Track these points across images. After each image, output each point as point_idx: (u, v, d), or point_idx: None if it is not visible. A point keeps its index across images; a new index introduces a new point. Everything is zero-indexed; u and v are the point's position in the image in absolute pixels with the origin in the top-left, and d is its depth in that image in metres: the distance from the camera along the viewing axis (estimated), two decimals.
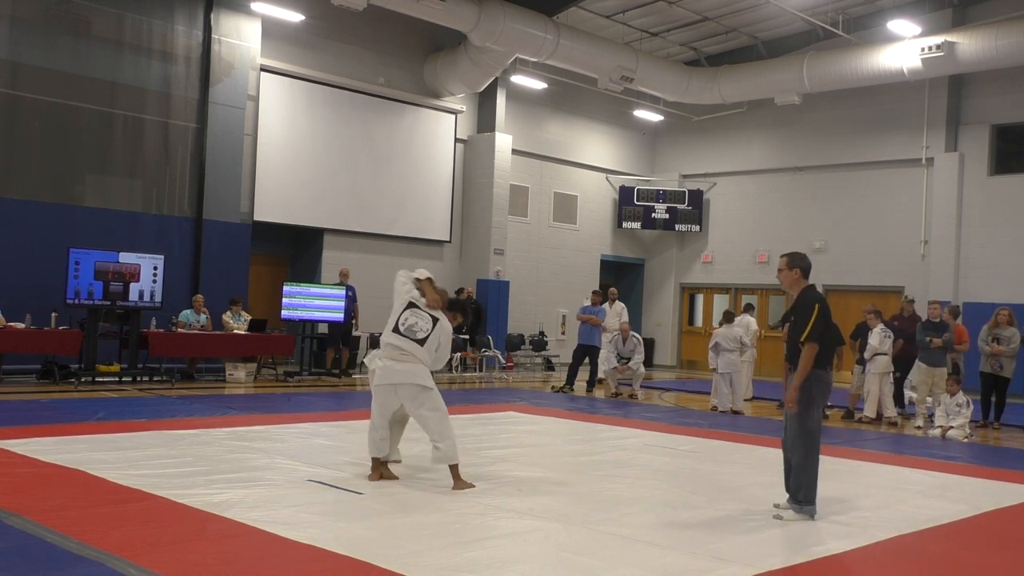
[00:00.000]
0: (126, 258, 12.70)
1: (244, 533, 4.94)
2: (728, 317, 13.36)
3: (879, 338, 11.97)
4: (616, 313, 15.35)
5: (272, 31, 15.58)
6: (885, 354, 12.00)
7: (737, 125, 21.16)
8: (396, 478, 6.55)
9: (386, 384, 6.48)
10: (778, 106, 19.25)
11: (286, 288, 14.67)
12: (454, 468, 6.38)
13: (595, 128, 21.54)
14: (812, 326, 5.91)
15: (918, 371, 12.08)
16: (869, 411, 12.10)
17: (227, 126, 14.91)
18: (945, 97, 18.32)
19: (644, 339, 21.20)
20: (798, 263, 6.21)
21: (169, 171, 14.39)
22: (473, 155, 19.14)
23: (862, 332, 12.38)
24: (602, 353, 14.88)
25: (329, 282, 15.78)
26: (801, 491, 5.93)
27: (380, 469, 6.57)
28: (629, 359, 14.25)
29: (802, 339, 5.91)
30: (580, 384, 14.84)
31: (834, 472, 8.09)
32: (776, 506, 6.15)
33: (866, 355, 12.16)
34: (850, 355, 12.85)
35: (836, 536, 5.55)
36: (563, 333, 20.54)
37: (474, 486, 6.35)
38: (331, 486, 6.24)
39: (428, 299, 6.64)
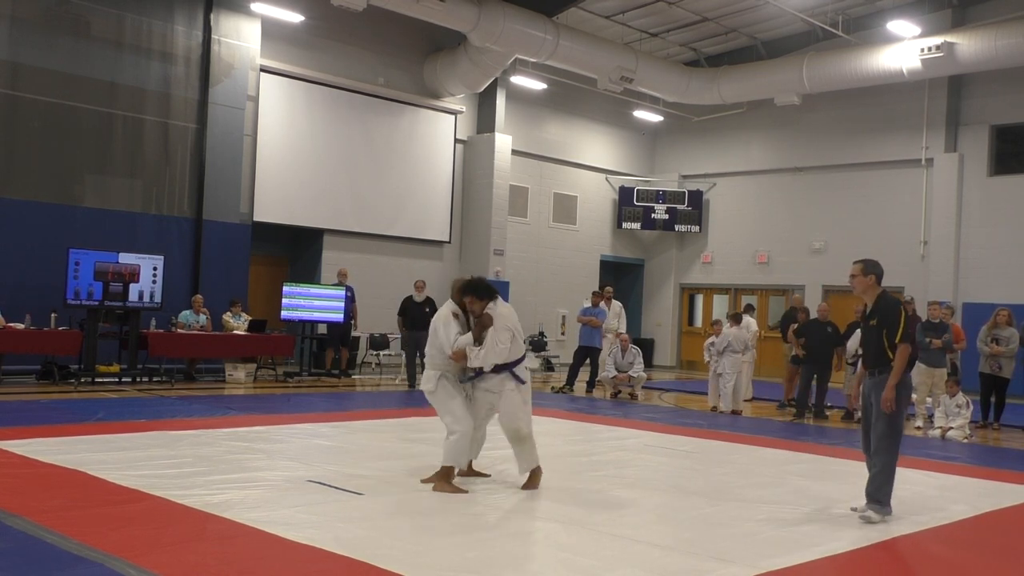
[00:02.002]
0: (126, 258, 12.69)
1: (244, 534, 4.94)
2: (737, 319, 13.39)
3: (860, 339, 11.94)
4: (615, 314, 15.34)
5: (272, 31, 15.58)
6: None
7: (737, 125, 21.16)
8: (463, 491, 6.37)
9: None
10: (778, 106, 19.24)
11: (286, 288, 14.67)
12: (442, 469, 6.36)
13: (595, 128, 21.54)
14: (903, 328, 6.05)
15: (918, 372, 12.06)
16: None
17: (227, 126, 14.91)
18: (945, 97, 18.32)
19: (644, 340, 21.34)
20: (872, 269, 6.32)
21: (169, 171, 14.39)
22: (473, 155, 19.13)
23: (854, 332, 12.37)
24: (602, 357, 14.87)
25: (328, 282, 15.78)
26: (882, 492, 6.01)
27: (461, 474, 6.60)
28: (628, 370, 14.29)
29: (897, 339, 6.03)
30: (580, 385, 14.84)
31: (834, 472, 8.10)
32: (854, 509, 6.20)
33: (848, 359, 12.18)
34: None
35: (836, 536, 5.55)
36: (563, 334, 20.53)
37: (464, 491, 6.26)
38: (331, 487, 6.24)
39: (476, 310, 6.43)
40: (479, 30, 15.60)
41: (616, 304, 15.59)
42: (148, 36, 14.12)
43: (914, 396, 12.48)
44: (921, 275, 18.29)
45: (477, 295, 6.32)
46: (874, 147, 19.26)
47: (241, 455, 7.33)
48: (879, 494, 6.02)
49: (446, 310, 6.51)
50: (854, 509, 6.21)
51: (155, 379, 12.89)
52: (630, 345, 14.50)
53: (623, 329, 15.51)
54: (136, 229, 13.92)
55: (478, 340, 6.28)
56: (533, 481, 6.51)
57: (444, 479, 6.31)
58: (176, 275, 13.94)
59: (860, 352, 11.74)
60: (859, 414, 12.07)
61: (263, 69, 15.62)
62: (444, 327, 6.42)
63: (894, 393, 5.97)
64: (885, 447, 6.04)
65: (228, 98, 14.92)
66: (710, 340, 13.37)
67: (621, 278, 22.68)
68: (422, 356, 8.39)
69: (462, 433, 6.30)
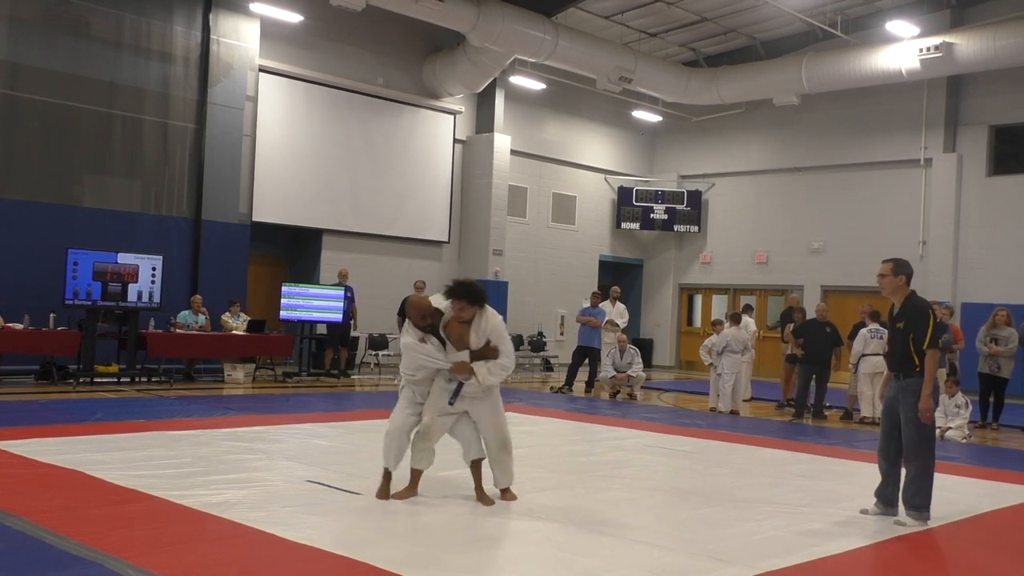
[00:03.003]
0: (124, 259, 12.68)
1: (243, 534, 4.94)
2: (736, 319, 13.39)
3: (863, 340, 11.95)
4: (619, 314, 15.33)
5: (271, 32, 15.58)
6: (877, 354, 11.94)
7: (736, 126, 21.16)
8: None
9: None
10: (777, 107, 19.25)
11: (285, 288, 14.66)
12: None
13: (594, 129, 21.55)
14: (932, 332, 5.95)
15: None
16: (865, 411, 12.11)
17: (226, 127, 14.90)
18: (943, 98, 18.33)
19: (643, 340, 21.33)
20: (903, 270, 6.17)
21: (168, 172, 14.39)
22: (472, 156, 19.13)
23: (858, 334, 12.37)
24: (603, 360, 14.87)
25: (328, 282, 15.78)
26: (919, 497, 5.95)
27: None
28: (627, 371, 14.28)
29: (925, 346, 5.94)
30: (579, 385, 14.83)
31: (833, 472, 8.10)
32: (864, 511, 6.16)
33: (851, 359, 12.18)
34: (847, 356, 12.86)
35: (835, 536, 5.55)
36: (562, 334, 20.53)
37: (386, 499, 5.84)
38: (330, 487, 6.23)
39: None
40: (478, 30, 15.60)
41: (620, 305, 15.59)
42: (147, 36, 14.11)
43: None
44: (920, 275, 18.07)
45: (469, 300, 5.66)
46: (873, 147, 19.27)
47: (240, 455, 7.32)
48: (916, 500, 5.95)
49: (411, 338, 5.78)
50: (864, 511, 6.17)
51: (154, 379, 12.88)
52: (628, 345, 14.50)
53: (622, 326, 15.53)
54: (135, 229, 13.91)
55: (479, 356, 5.71)
56: (509, 495, 6.03)
57: (383, 479, 5.95)
58: (175, 275, 13.93)
59: (864, 354, 11.83)
60: (859, 414, 12.18)
61: (262, 69, 15.62)
62: (417, 348, 5.74)
63: (931, 402, 5.88)
64: (918, 452, 5.96)
65: (227, 98, 14.91)
66: (711, 340, 13.38)
67: (620, 278, 22.65)
68: None
69: (387, 433, 5.92)
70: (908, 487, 6.00)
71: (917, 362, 5.97)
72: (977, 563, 5.32)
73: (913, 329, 6.00)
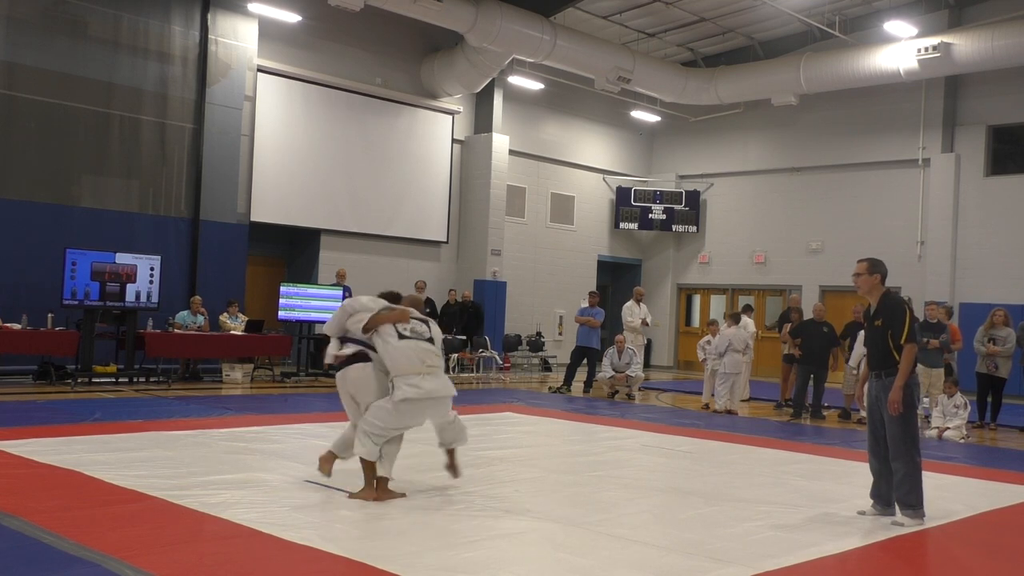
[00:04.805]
0: (123, 259, 12.67)
1: (241, 534, 4.94)
2: (737, 319, 13.40)
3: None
4: (645, 314, 15.43)
5: (269, 32, 15.57)
6: None
7: (734, 126, 21.18)
8: (403, 495, 6.03)
9: (431, 399, 5.95)
10: (775, 107, 19.27)
11: (283, 289, 14.66)
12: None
13: (592, 129, 21.55)
14: (908, 327, 6.02)
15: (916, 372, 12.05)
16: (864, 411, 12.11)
17: (224, 127, 14.90)
18: (941, 98, 18.35)
19: None
20: (878, 269, 6.29)
21: (166, 172, 14.38)
22: (470, 156, 19.13)
23: (852, 332, 12.38)
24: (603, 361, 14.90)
25: (326, 283, 15.78)
26: (912, 495, 5.95)
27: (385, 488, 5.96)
28: (625, 371, 14.29)
29: (902, 340, 6.00)
30: (577, 385, 14.83)
31: (832, 472, 8.11)
32: (861, 513, 6.15)
33: (851, 362, 12.18)
34: (843, 356, 12.86)
35: (834, 536, 5.55)
36: (560, 334, 20.54)
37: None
38: (328, 487, 6.23)
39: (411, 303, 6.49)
40: (476, 30, 15.60)
41: (643, 306, 15.65)
42: (145, 36, 14.11)
43: None
44: (918, 275, 18.30)
45: None
46: (871, 147, 19.29)
47: (238, 455, 7.32)
48: (909, 498, 5.95)
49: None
50: (861, 512, 6.16)
51: (152, 379, 12.87)
52: (627, 345, 14.51)
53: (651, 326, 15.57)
54: (133, 229, 13.91)
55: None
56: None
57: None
58: (173, 275, 13.92)
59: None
60: (860, 414, 12.17)
61: (260, 69, 15.61)
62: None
63: (901, 394, 5.91)
64: (904, 450, 5.97)
65: (225, 98, 14.91)
66: (706, 339, 13.42)
67: (618, 278, 22.70)
68: None
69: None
70: (899, 487, 6.01)
71: (898, 357, 6.01)
72: (974, 563, 5.32)
73: (891, 325, 6.07)
